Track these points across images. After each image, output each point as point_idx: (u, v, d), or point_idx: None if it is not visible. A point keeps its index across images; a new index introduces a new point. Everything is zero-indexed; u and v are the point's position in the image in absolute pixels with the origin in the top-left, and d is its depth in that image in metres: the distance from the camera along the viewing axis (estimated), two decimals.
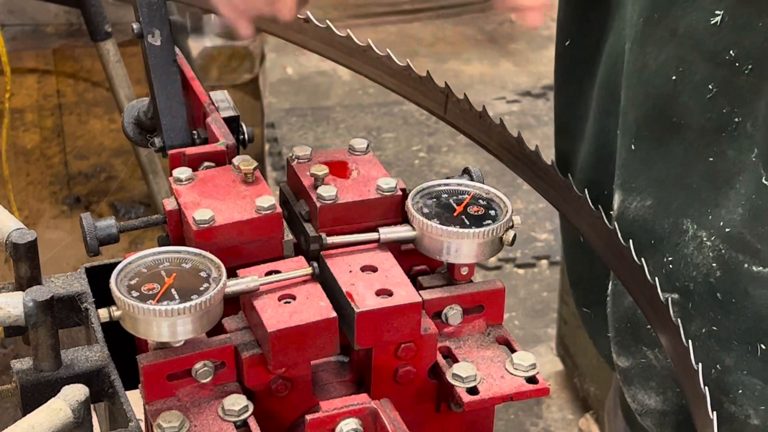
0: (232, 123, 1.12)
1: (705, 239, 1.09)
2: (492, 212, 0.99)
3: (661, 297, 0.94)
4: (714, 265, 1.08)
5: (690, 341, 0.89)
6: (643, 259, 0.96)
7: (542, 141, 3.65)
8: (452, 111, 1.09)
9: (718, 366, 1.10)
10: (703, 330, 1.10)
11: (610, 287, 1.18)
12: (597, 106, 1.24)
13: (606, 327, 1.28)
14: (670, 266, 1.11)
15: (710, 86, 1.03)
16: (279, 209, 0.98)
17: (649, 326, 1.11)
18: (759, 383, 1.08)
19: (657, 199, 1.11)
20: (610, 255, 1.00)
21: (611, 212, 1.17)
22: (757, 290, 1.06)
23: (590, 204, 0.99)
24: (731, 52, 1.01)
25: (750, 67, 1.01)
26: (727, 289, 1.08)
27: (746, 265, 1.06)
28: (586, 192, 1.00)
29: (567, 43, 1.30)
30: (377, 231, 0.98)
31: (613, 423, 1.44)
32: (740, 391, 1.09)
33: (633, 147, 1.12)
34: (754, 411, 1.09)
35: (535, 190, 1.06)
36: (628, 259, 0.96)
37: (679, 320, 0.91)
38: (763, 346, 1.09)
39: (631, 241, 0.96)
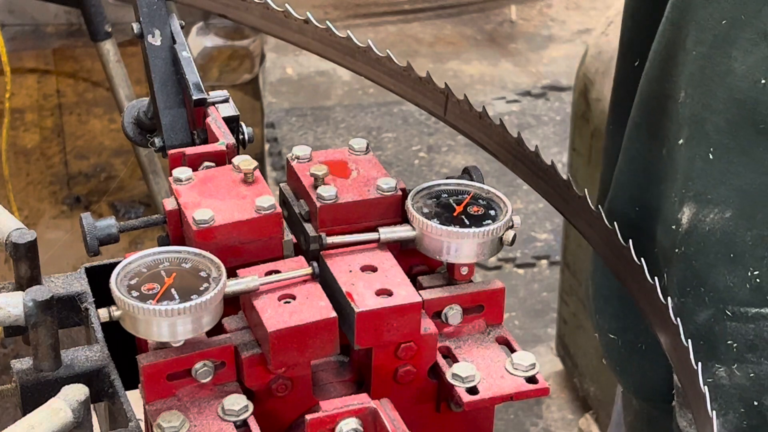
0: (232, 123, 1.12)
1: None
2: (492, 212, 0.99)
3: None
4: None
5: (690, 341, 0.89)
6: (643, 261, 0.95)
7: (542, 141, 3.66)
8: (452, 112, 1.09)
9: None
10: None
11: (672, 306, 1.17)
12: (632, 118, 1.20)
13: (634, 353, 1.24)
14: (758, 280, 1.09)
15: None
16: (279, 209, 0.98)
17: (729, 341, 1.11)
18: None
19: (739, 211, 1.08)
20: (610, 255, 0.99)
21: (658, 225, 1.15)
22: None
23: (590, 204, 0.99)
24: None
25: None
26: None
27: None
28: (586, 192, 1.00)
29: (636, 64, 1.24)
30: (377, 231, 0.98)
31: None
32: None
33: (711, 156, 1.09)
34: None
35: (535, 191, 1.06)
36: (628, 259, 0.96)
37: (678, 320, 0.91)
38: None
39: (631, 241, 0.96)
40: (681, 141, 1.12)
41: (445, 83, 1.09)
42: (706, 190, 1.10)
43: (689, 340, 0.88)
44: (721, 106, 1.07)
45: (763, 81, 1.04)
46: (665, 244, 1.15)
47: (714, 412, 1.07)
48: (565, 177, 1.02)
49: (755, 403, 1.14)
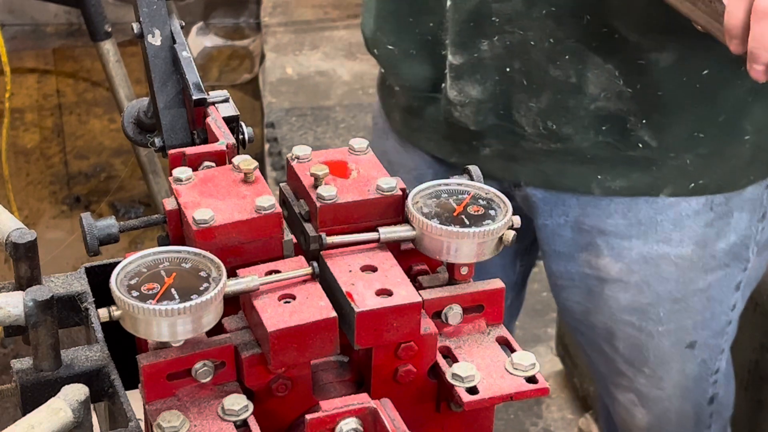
0: (232, 123, 1.12)
1: None
2: (492, 212, 0.99)
3: None
4: None
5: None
6: None
7: None
8: None
9: None
10: None
11: None
12: None
13: (407, 57, 1.60)
14: None
15: None
16: (279, 209, 0.98)
17: (494, 18, 1.46)
18: None
19: None
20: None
21: None
22: None
23: None
24: None
25: None
26: None
27: None
28: None
29: None
30: (377, 231, 0.98)
31: None
32: None
33: None
34: None
35: None
36: None
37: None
38: None
39: None
40: None
41: None
42: None
43: None
44: None
45: None
46: None
47: (477, 81, 1.52)
48: None
49: (507, 69, 1.49)
